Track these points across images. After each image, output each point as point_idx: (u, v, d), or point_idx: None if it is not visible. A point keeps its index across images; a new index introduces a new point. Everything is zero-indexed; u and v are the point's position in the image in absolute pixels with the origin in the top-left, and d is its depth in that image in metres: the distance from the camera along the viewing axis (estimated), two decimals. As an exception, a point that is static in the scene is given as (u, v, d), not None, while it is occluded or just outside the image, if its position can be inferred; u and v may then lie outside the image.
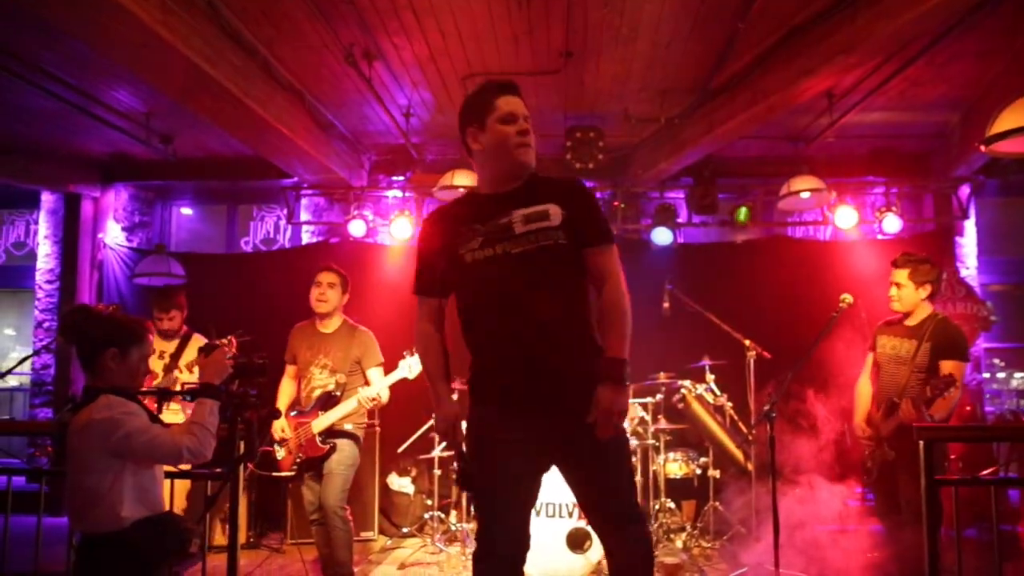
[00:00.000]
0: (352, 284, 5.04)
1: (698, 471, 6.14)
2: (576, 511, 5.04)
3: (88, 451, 2.53)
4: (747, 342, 5.97)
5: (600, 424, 2.53)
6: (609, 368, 2.55)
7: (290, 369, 4.99)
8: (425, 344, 2.81)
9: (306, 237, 8.30)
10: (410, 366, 4.87)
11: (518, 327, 2.56)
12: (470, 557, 5.62)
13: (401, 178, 7.96)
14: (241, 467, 3.44)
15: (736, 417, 6.21)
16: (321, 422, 4.71)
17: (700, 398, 6.03)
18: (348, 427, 4.76)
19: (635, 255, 7.34)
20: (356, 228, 7.45)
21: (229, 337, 2.95)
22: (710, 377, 6.20)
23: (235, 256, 8.33)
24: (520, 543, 2.60)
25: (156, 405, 4.88)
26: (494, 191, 2.74)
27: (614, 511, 2.65)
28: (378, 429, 6.75)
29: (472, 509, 5.89)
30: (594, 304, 2.68)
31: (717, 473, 6.15)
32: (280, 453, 4.80)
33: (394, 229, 7.39)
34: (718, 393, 6.14)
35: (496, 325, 2.59)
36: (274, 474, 4.85)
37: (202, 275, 7.66)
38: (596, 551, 4.95)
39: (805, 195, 6.75)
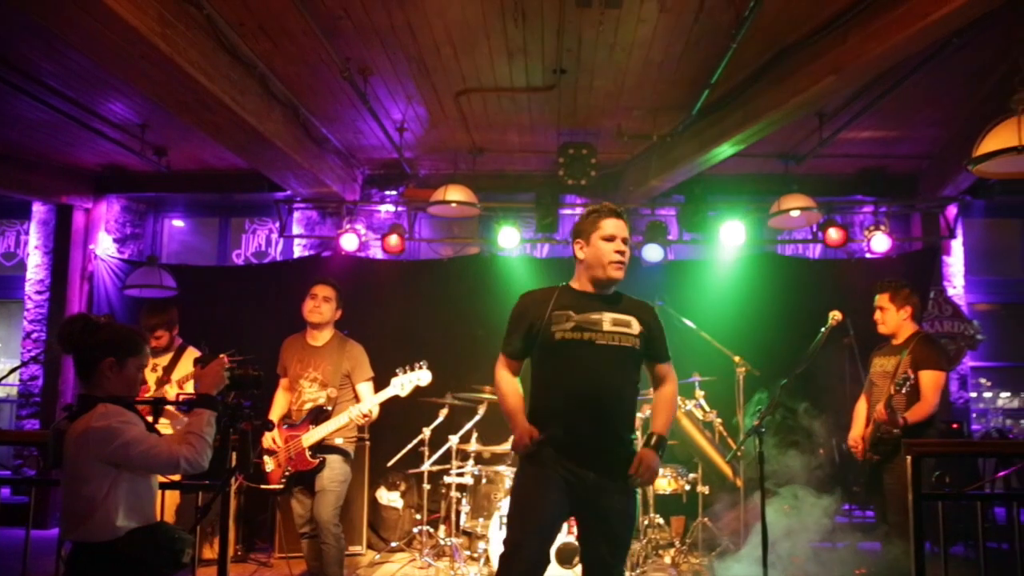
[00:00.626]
0: (345, 299, 5.05)
1: (687, 487, 6.12)
2: (565, 526, 5.06)
3: (85, 459, 2.51)
4: (737, 358, 6.11)
5: (640, 476, 3.16)
6: (656, 440, 3.25)
7: (283, 381, 4.98)
8: (510, 389, 3.35)
9: (298, 250, 8.29)
10: (403, 384, 4.88)
11: (589, 396, 3.16)
12: (458, 572, 5.67)
13: (394, 192, 8.05)
14: (232, 479, 3.44)
15: (725, 433, 6.24)
16: (311, 436, 4.69)
17: (689, 414, 6.04)
18: (339, 442, 4.74)
19: (626, 271, 7.40)
20: (348, 242, 7.44)
21: (220, 356, 2.96)
22: (700, 393, 6.20)
23: (227, 269, 8.29)
24: (544, 554, 3.09)
25: (152, 415, 4.88)
26: (589, 291, 3.35)
27: (609, 568, 3.13)
28: (368, 443, 6.74)
29: (463, 522, 5.93)
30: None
31: (706, 489, 6.13)
32: (269, 465, 4.77)
33: (386, 244, 7.39)
34: (707, 409, 6.14)
35: (572, 390, 3.17)
36: (262, 486, 4.82)
37: (193, 287, 7.63)
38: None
39: (795, 213, 6.78)
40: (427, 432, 6.19)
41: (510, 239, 7.40)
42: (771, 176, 7.55)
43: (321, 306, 4.85)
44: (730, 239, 7.37)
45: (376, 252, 8.01)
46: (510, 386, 3.37)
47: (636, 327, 3.29)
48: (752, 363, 6.02)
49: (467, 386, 6.26)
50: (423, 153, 7.46)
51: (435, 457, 6.16)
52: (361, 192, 7.98)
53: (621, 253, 3.33)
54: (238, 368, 2.97)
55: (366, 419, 4.72)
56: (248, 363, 3.07)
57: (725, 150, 6.18)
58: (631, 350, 3.25)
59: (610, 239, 3.34)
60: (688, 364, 6.32)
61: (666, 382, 3.41)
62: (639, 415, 6.19)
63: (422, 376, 4.90)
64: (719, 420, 6.15)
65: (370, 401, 4.76)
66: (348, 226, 7.55)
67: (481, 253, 7.95)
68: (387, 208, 7.91)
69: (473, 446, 6.14)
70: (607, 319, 3.26)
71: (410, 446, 6.34)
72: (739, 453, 5.57)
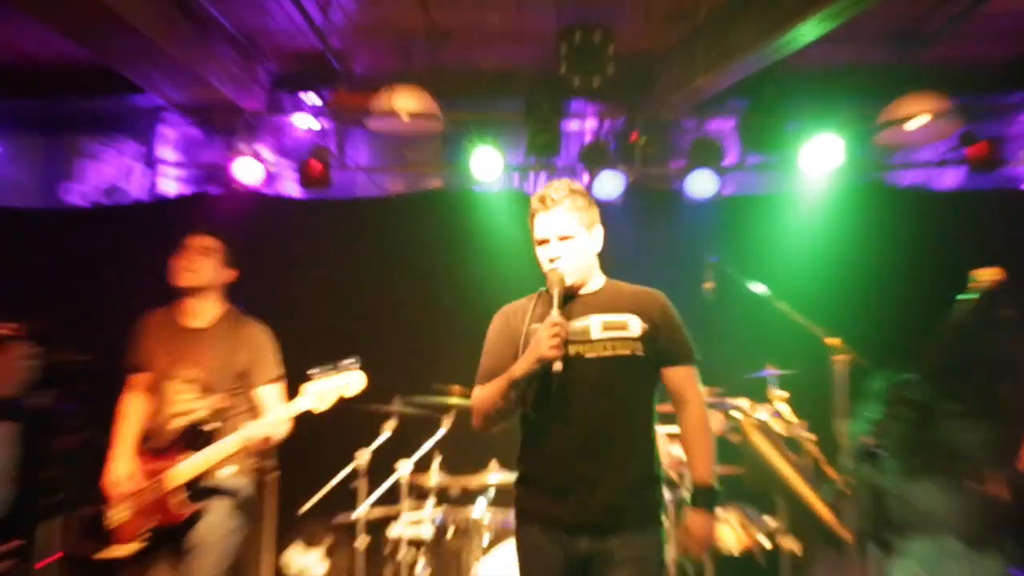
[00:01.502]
0: (241, 257, 5.09)
1: (765, 541, 6.13)
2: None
3: None
4: (834, 341, 5.97)
5: (693, 553, 3.58)
6: (701, 496, 3.60)
7: (139, 380, 4.96)
8: (483, 391, 3.76)
9: (171, 186, 8.28)
10: (320, 394, 4.77)
11: (581, 428, 3.56)
12: None
13: (316, 99, 7.98)
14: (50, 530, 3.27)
15: (820, 455, 6.15)
16: (185, 470, 4.65)
17: (763, 427, 6.10)
18: (228, 476, 4.75)
19: (662, 212, 7.50)
20: (247, 172, 7.48)
21: (10, 342, 2.77)
22: (779, 394, 6.27)
23: (55, 213, 8.23)
24: None
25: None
26: (573, 293, 3.77)
27: None
28: (274, 476, 6.54)
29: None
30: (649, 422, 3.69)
31: (796, 546, 6.14)
32: (117, 517, 4.67)
33: (304, 174, 7.44)
34: (791, 419, 6.18)
35: (561, 423, 3.59)
36: (104, 555, 4.66)
37: (2, 240, 7.61)
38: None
39: (918, 122, 6.77)
40: (364, 457, 6.20)
41: (489, 166, 7.43)
42: (881, 68, 7.48)
43: (196, 262, 4.89)
44: (818, 163, 7.36)
45: (289, 187, 8.07)
46: (482, 389, 3.77)
47: (637, 327, 3.67)
48: (858, 348, 5.95)
49: (425, 387, 6.34)
50: (358, 40, 7.47)
51: (376, 496, 6.17)
52: (267, 99, 7.97)
53: (557, 256, 3.71)
54: (52, 353, 2.78)
55: (270, 442, 4.75)
56: (65, 348, 2.89)
57: (809, 30, 6.11)
58: (632, 359, 3.64)
59: (542, 243, 3.75)
60: (758, 351, 6.44)
61: (687, 400, 3.74)
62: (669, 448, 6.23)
63: (348, 380, 4.84)
64: (810, 435, 6.16)
65: (276, 414, 4.74)
66: (247, 148, 7.57)
67: (446, 188, 8.04)
68: (305, 122, 7.94)
69: (434, 478, 6.17)
70: (595, 324, 3.67)
71: (338, 480, 6.33)
72: (844, 487, 5.61)
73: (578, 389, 3.56)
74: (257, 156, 7.57)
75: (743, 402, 6.14)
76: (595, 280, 3.83)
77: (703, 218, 7.51)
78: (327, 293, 7.64)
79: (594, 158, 7.57)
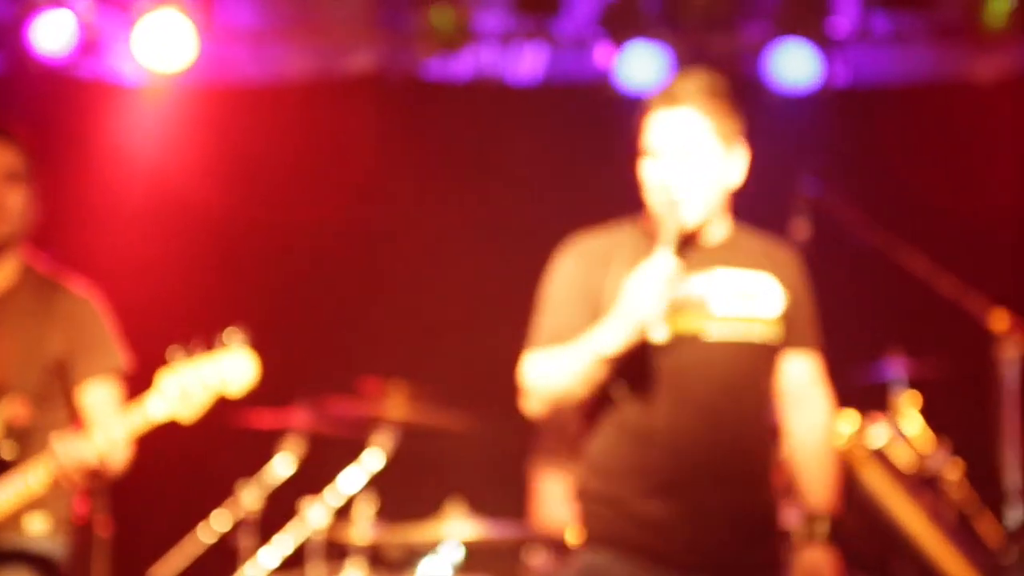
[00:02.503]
0: (45, 181, 5.08)
1: None
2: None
3: None
4: (1001, 318, 6.15)
5: None
6: (823, 529, 3.77)
7: None
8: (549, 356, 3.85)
9: None
10: (184, 390, 4.66)
11: (704, 444, 3.68)
12: None
13: None
14: None
15: (972, 499, 6.25)
16: None
17: (880, 454, 6.11)
18: (35, 529, 4.71)
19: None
20: (50, 39, 7.49)
21: None
22: (907, 399, 6.37)
23: None
24: None
25: None
26: (691, 238, 3.81)
27: None
28: (106, 530, 6.49)
29: None
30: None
31: None
32: None
33: (144, 46, 7.54)
34: (926, 441, 6.22)
35: (669, 435, 3.67)
36: None
37: None
38: None
39: None
40: (252, 496, 6.32)
41: (448, 33, 7.55)
42: None
43: (4, 199, 4.83)
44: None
45: (121, 64, 8.05)
46: (546, 357, 3.85)
47: (777, 298, 3.83)
48: None
49: (345, 384, 6.43)
50: None
51: (271, 558, 6.28)
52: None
53: (676, 178, 3.76)
54: None
55: (101, 475, 4.67)
56: None
57: None
58: (767, 349, 3.81)
59: (654, 155, 3.81)
60: (875, 332, 6.81)
61: (809, 400, 3.95)
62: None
63: (230, 368, 4.71)
64: (956, 467, 6.21)
65: (108, 428, 4.61)
66: (49, 4, 7.55)
67: (380, 71, 8.16)
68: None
69: (362, 530, 6.21)
70: (721, 288, 3.77)
71: (210, 534, 6.45)
72: (1011, 550, 5.81)
73: (691, 384, 3.68)
74: (69, 10, 7.53)
75: (849, 415, 6.10)
76: (720, 225, 3.89)
77: (794, 120, 7.64)
78: (190, 237, 7.76)
79: (620, 21, 7.58)
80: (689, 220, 3.71)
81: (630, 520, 3.69)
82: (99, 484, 4.95)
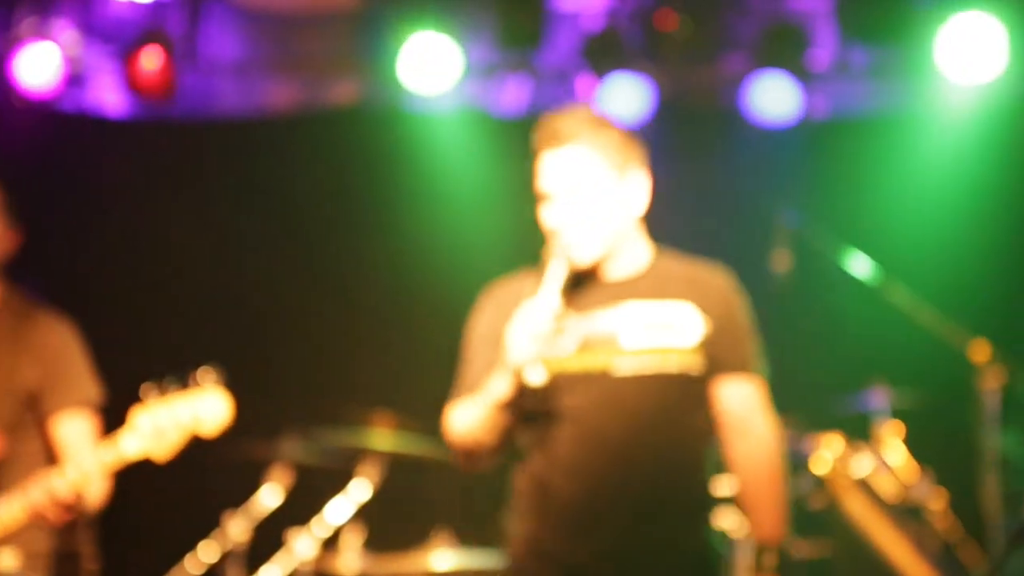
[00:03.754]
0: (25, 211, 5.14)
1: None
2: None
3: None
4: (980, 348, 6.13)
5: None
6: (765, 556, 3.76)
7: None
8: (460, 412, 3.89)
9: None
10: (158, 429, 4.69)
11: (612, 484, 3.65)
12: None
13: None
14: None
15: (954, 529, 6.25)
16: None
17: (863, 484, 6.15)
18: (6, 565, 4.75)
19: (708, 142, 7.69)
20: (35, 71, 7.44)
21: None
22: (889, 429, 6.40)
23: None
24: None
25: None
26: (600, 269, 3.82)
27: None
28: (87, 568, 6.47)
29: None
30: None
31: None
32: None
33: (133, 76, 7.45)
34: (908, 470, 6.25)
35: (580, 475, 3.65)
36: None
37: None
38: None
39: None
40: (239, 528, 6.27)
41: (433, 67, 7.52)
42: None
43: None
44: (963, 64, 7.29)
45: (106, 97, 7.98)
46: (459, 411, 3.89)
47: (695, 327, 3.76)
48: (1018, 359, 6.10)
49: (333, 415, 6.44)
50: None
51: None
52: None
53: (563, 219, 3.77)
54: None
55: (76, 509, 4.71)
56: None
57: None
58: (685, 381, 3.74)
59: (544, 197, 3.82)
60: (857, 362, 6.85)
61: (749, 429, 3.86)
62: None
63: (202, 407, 4.77)
64: (938, 496, 6.22)
65: (87, 462, 4.66)
66: (33, 30, 7.49)
67: (363, 102, 8.14)
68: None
69: (349, 559, 6.26)
70: (630, 321, 3.73)
71: (196, 566, 6.39)
72: None
73: (598, 422, 3.63)
74: (53, 43, 7.47)
75: (832, 443, 6.16)
76: (633, 255, 3.88)
77: (774, 152, 7.63)
78: (172, 269, 7.74)
79: (603, 54, 7.55)
80: (583, 259, 3.72)
81: (551, 562, 3.69)
82: (74, 518, 4.87)
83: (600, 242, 3.72)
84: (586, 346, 3.64)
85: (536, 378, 3.50)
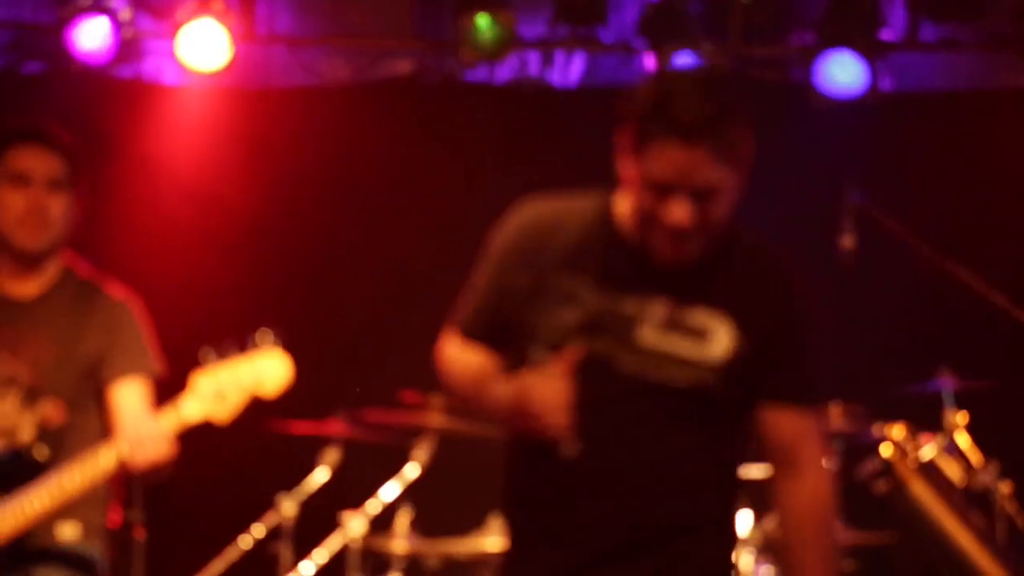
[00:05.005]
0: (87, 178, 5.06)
1: None
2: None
3: None
4: None
5: None
6: None
7: None
8: (464, 359, 3.50)
9: None
10: (219, 390, 4.74)
11: (608, 491, 3.25)
12: None
13: None
14: None
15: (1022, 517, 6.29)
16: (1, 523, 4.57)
17: (929, 470, 6.03)
18: (67, 535, 4.67)
19: (772, 119, 7.41)
20: (89, 37, 7.51)
21: None
22: (956, 418, 6.30)
23: None
24: None
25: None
26: (642, 246, 3.30)
27: None
28: (141, 535, 6.61)
29: None
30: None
31: None
32: None
33: (187, 48, 7.52)
34: (975, 458, 6.22)
35: (577, 472, 3.24)
36: None
37: None
38: None
39: None
40: (290, 507, 6.32)
41: (489, 39, 7.50)
42: None
43: (47, 207, 4.81)
44: None
45: (161, 66, 8.11)
46: (463, 357, 3.57)
47: (723, 338, 3.28)
48: None
49: (386, 396, 6.46)
50: None
51: (309, 567, 6.32)
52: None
53: (689, 225, 3.16)
54: None
55: (137, 473, 4.72)
56: None
57: None
58: (694, 397, 3.28)
59: (660, 187, 3.17)
60: (925, 348, 6.71)
61: (799, 463, 3.41)
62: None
63: (263, 368, 4.78)
64: (1005, 485, 6.22)
65: (148, 428, 4.66)
66: (89, 3, 7.53)
67: (419, 75, 8.21)
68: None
69: (401, 540, 6.30)
70: (653, 315, 3.28)
71: (248, 542, 6.47)
72: None
73: (605, 415, 3.24)
74: (107, 13, 7.52)
75: (897, 430, 6.09)
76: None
77: (841, 130, 7.60)
78: (230, 240, 7.79)
79: (663, 29, 7.53)
80: (675, 266, 3.24)
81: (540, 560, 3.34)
82: (142, 483, 5.10)
83: (708, 244, 3.22)
84: (607, 324, 3.21)
85: (569, 452, 3.16)
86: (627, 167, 3.20)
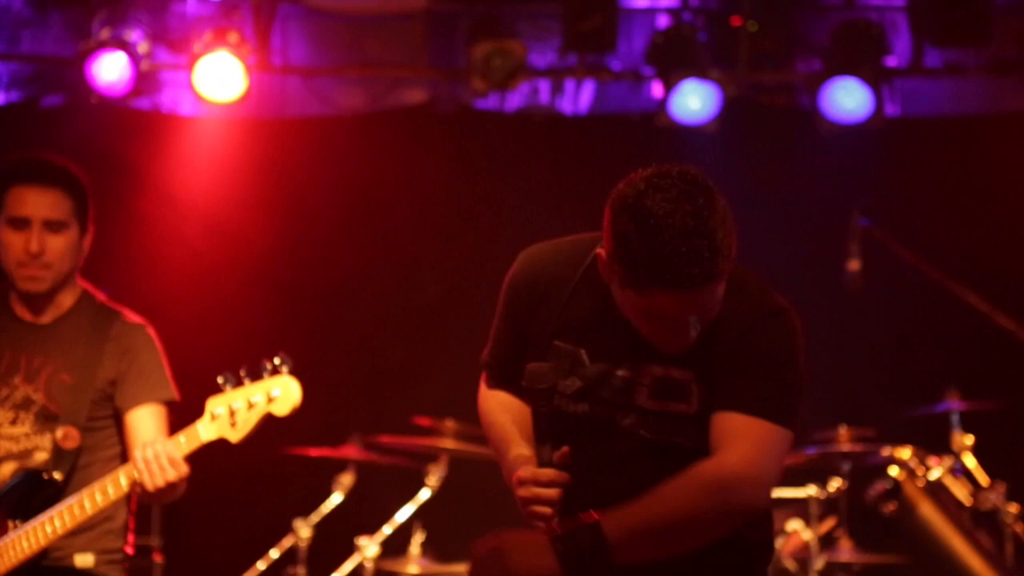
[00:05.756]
0: (100, 211, 5.06)
1: None
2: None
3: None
4: None
5: None
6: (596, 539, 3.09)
7: None
8: (496, 404, 3.54)
9: None
10: (232, 408, 4.73)
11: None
12: None
13: None
14: None
15: None
16: (11, 549, 4.62)
17: (936, 490, 6.18)
18: (84, 561, 4.67)
19: (779, 144, 7.52)
20: (108, 70, 7.52)
21: None
22: (963, 440, 6.35)
23: None
24: None
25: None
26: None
27: None
28: (157, 560, 6.56)
29: None
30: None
31: None
32: None
33: (204, 78, 7.50)
34: (982, 480, 6.26)
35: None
36: None
37: None
38: None
39: None
40: (305, 531, 6.34)
41: (500, 70, 7.49)
42: None
43: (47, 249, 4.81)
44: None
45: (178, 98, 8.17)
46: (496, 401, 3.59)
47: (695, 394, 3.30)
48: None
49: (399, 422, 6.52)
50: None
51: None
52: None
53: (688, 338, 3.21)
54: None
55: (153, 497, 4.69)
56: None
57: None
58: (692, 453, 3.27)
59: (656, 316, 3.20)
60: (932, 370, 6.68)
61: (719, 449, 3.25)
62: (813, 492, 6.43)
63: (275, 391, 4.75)
64: (1011, 506, 6.26)
65: (161, 446, 4.62)
66: (106, 32, 7.60)
67: (432, 104, 8.21)
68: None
69: (414, 563, 6.34)
70: (652, 379, 3.30)
71: (263, 565, 6.51)
72: None
73: (604, 466, 3.28)
74: (125, 48, 7.52)
75: (905, 452, 6.15)
76: None
77: (847, 155, 7.58)
78: (246, 267, 7.82)
79: (671, 57, 7.56)
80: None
81: None
82: (155, 503, 5.08)
83: None
84: (601, 389, 3.26)
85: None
86: (616, 289, 3.18)
